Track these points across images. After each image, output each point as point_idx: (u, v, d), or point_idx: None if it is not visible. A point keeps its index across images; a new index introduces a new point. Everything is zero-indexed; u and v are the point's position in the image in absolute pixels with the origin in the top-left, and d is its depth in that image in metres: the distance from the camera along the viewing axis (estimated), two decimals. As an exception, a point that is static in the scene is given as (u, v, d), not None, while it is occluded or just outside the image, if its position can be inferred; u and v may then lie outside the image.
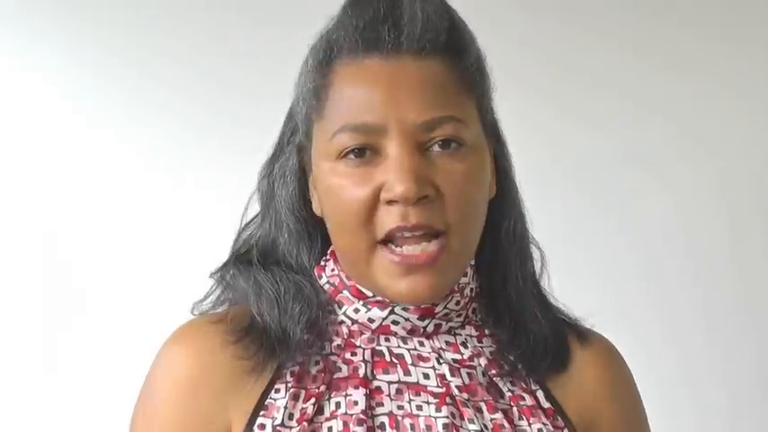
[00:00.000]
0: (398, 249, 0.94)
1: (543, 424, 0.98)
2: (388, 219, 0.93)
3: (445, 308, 1.00)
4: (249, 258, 1.04)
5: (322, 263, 1.04)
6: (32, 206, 1.73)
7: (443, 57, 0.97)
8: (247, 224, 1.09)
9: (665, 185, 1.81)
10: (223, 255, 1.07)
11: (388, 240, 0.94)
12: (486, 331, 1.04)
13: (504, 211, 1.06)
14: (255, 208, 1.09)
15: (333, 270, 1.03)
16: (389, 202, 0.93)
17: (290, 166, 1.04)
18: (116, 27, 1.76)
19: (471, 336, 1.02)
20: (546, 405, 1.00)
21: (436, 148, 0.95)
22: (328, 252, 1.05)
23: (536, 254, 1.10)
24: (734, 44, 1.81)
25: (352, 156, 0.95)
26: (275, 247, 1.05)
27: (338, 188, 0.96)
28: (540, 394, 1.01)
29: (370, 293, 0.99)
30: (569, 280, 1.14)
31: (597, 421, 1.03)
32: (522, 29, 1.80)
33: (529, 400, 0.99)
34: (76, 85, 1.75)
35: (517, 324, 1.03)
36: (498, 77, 1.04)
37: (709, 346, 1.78)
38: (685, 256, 1.80)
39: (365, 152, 0.95)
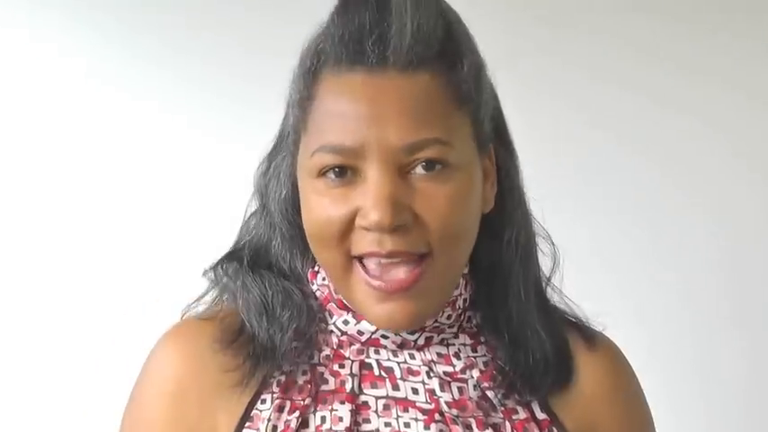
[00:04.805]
0: (374, 272, 0.91)
1: None
2: (363, 243, 0.90)
3: (436, 321, 0.97)
4: (241, 256, 1.02)
5: (316, 268, 1.02)
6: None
7: (434, 69, 0.91)
8: (251, 215, 1.05)
9: (686, 181, 1.78)
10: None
11: (363, 257, 0.91)
12: (482, 338, 1.01)
13: (506, 221, 1.01)
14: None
15: (323, 279, 1.00)
16: (364, 228, 0.90)
17: (284, 168, 1.01)
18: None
19: (465, 345, 0.99)
20: (541, 416, 0.98)
21: (419, 170, 0.90)
22: None
23: (547, 249, 1.05)
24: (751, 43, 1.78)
25: (332, 175, 0.91)
26: (268, 249, 1.02)
27: (315, 205, 0.92)
28: (535, 405, 0.98)
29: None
30: (579, 277, 1.10)
31: (597, 429, 1.00)
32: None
33: (522, 413, 0.97)
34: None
35: (517, 341, 0.99)
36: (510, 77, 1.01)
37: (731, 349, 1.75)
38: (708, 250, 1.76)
39: (346, 172, 0.91)
